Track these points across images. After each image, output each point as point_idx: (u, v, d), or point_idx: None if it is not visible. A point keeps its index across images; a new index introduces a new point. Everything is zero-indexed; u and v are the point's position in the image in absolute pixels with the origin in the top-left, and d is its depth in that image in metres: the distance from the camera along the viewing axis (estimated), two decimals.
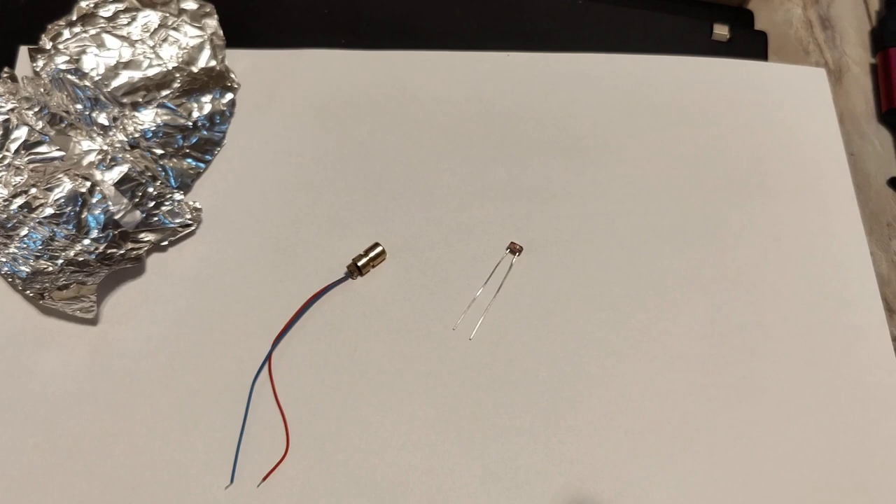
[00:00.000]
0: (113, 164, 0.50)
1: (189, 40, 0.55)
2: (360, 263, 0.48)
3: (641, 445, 0.44)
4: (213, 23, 0.56)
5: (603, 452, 0.44)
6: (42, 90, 0.52)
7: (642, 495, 0.43)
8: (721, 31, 0.60)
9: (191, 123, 0.53)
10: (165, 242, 0.49)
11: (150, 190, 0.50)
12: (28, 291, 0.46)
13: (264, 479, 0.43)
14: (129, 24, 0.55)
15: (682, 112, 0.56)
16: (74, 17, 0.55)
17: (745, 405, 0.45)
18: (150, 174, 0.50)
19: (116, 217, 0.49)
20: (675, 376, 0.46)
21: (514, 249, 0.49)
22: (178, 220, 0.50)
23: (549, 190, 0.53)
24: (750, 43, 0.60)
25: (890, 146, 0.57)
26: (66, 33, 0.54)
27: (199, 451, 0.43)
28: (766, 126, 0.56)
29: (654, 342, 0.47)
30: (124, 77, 0.54)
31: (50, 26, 0.54)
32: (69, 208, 0.48)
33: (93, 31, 0.54)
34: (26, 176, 0.49)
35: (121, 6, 0.55)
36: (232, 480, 0.42)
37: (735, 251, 0.51)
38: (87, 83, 0.53)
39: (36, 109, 0.51)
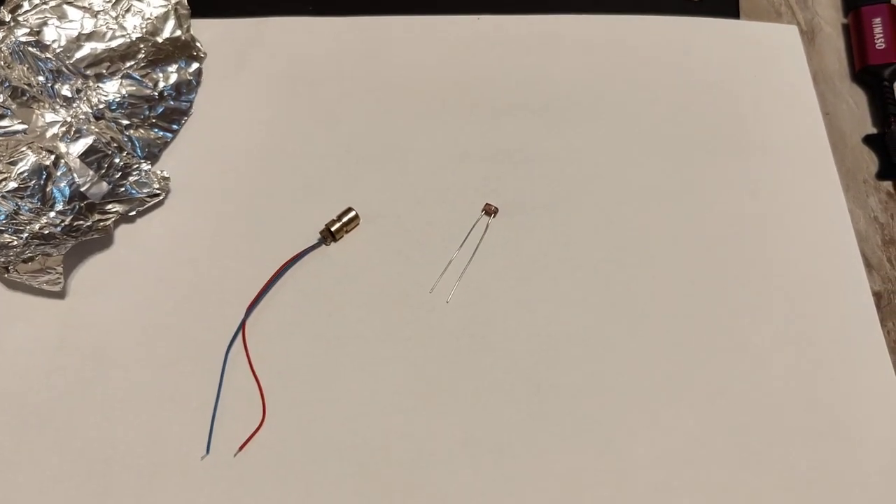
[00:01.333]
0: (77, 135, 0.49)
1: (153, 10, 0.54)
2: (333, 228, 0.48)
3: (623, 402, 0.44)
4: None
5: (584, 410, 0.43)
6: (2, 63, 0.50)
7: (625, 452, 0.42)
8: None
9: (157, 94, 0.52)
10: (133, 213, 0.48)
11: (117, 161, 0.49)
12: None
13: (241, 448, 0.42)
14: None
15: (656, 71, 0.56)
16: None
17: (726, 361, 0.45)
18: (116, 145, 0.49)
19: (83, 189, 0.48)
20: (654, 334, 0.46)
21: (490, 211, 0.49)
22: (145, 190, 0.49)
23: (523, 152, 0.52)
24: (720, 3, 0.60)
25: (864, 104, 0.57)
26: (26, 5, 0.53)
27: (173, 423, 0.42)
28: (740, 84, 0.56)
29: (633, 300, 0.47)
30: (87, 49, 0.52)
31: None
32: (33, 181, 0.47)
33: (53, 3, 0.53)
34: None
35: None
36: (208, 451, 0.42)
37: (712, 208, 0.50)
38: (48, 55, 0.51)
39: None
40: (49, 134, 0.49)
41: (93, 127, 0.50)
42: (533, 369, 0.44)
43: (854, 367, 0.45)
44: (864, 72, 0.57)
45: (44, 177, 0.47)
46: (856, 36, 0.59)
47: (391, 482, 0.41)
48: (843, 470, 0.42)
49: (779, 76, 0.56)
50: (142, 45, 0.53)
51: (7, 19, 0.52)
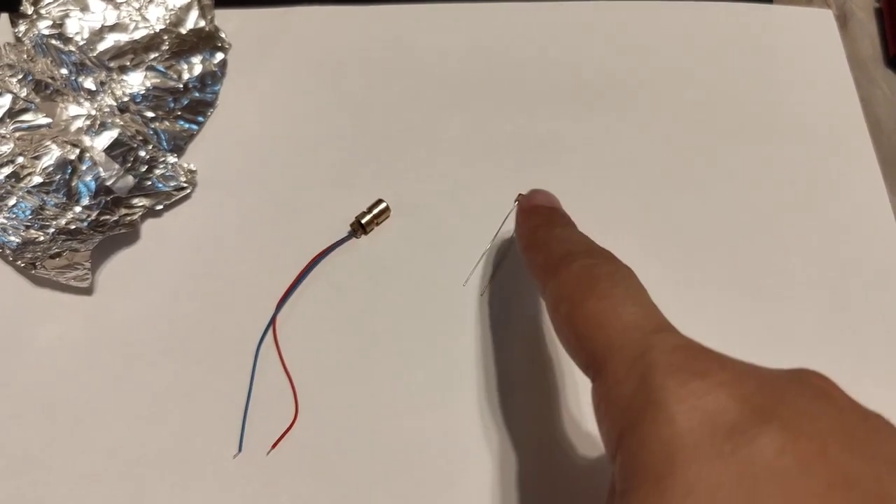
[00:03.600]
0: (102, 129, 0.48)
1: (176, 1, 0.54)
2: (363, 221, 0.47)
3: None
4: None
5: None
6: (25, 56, 0.50)
7: None
8: None
9: (181, 85, 0.51)
10: (160, 207, 0.47)
11: (142, 154, 0.48)
12: (19, 262, 0.44)
13: (273, 446, 0.41)
14: None
15: (690, 57, 0.55)
16: None
17: (770, 353, 0.44)
18: (141, 138, 0.49)
19: (108, 183, 0.47)
20: (694, 325, 0.45)
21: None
22: (172, 184, 0.48)
23: (555, 141, 0.51)
24: None
25: None
26: None
27: (204, 421, 0.42)
28: (775, 69, 0.55)
29: (672, 292, 0.45)
30: (110, 41, 0.52)
31: None
32: (58, 176, 0.47)
33: None
34: (12, 145, 0.47)
35: None
36: (240, 449, 0.41)
37: (751, 195, 0.49)
38: (71, 48, 0.51)
39: (20, 76, 0.49)
40: (73, 128, 0.48)
41: (117, 120, 0.49)
42: (571, 361, 0.43)
43: None
44: None
45: (69, 171, 0.47)
46: (889, 20, 0.58)
47: (427, 479, 0.40)
48: None
49: (814, 61, 0.55)
50: (165, 37, 0.52)
51: (29, 12, 0.52)
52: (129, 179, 0.47)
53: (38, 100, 0.49)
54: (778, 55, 0.55)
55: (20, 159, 0.47)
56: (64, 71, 0.50)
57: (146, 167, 0.48)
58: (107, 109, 0.49)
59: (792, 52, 0.55)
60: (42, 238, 0.45)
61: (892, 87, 0.56)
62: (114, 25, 0.52)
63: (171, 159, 0.49)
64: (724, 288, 0.46)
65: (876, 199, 0.49)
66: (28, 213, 0.46)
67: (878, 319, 0.45)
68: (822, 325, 0.45)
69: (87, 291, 0.45)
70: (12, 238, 0.45)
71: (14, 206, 0.46)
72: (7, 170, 0.47)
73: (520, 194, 0.48)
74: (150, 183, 0.48)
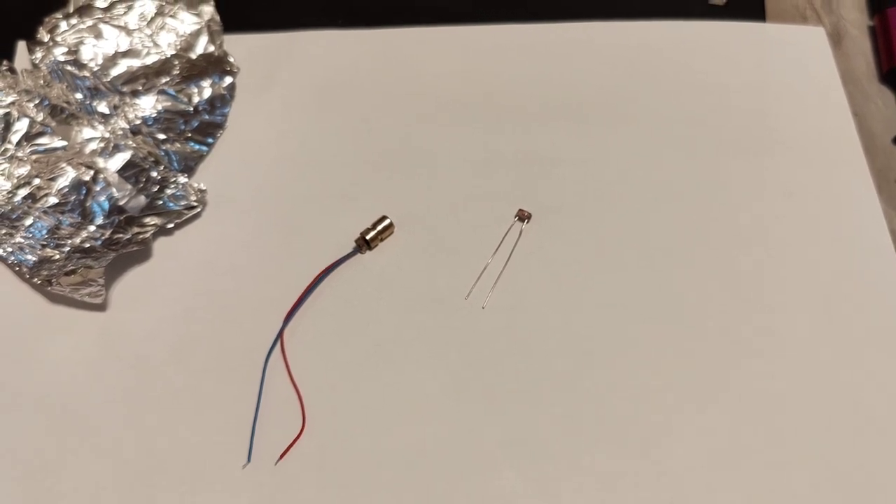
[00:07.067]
0: (115, 151, 0.50)
1: (186, 27, 0.55)
2: (368, 237, 0.48)
3: (661, 404, 0.43)
4: (209, 9, 0.56)
5: (622, 413, 0.43)
6: (42, 82, 0.52)
7: (664, 454, 0.42)
8: None
9: (191, 108, 0.53)
10: (171, 225, 0.49)
11: (154, 174, 0.50)
12: (35, 279, 0.46)
13: (281, 456, 0.42)
14: (125, 13, 0.55)
15: (685, 75, 0.56)
16: (71, 10, 0.55)
17: (763, 361, 0.45)
18: (153, 159, 0.50)
19: (121, 203, 0.48)
20: (690, 335, 0.46)
21: (523, 217, 0.49)
22: (182, 203, 0.49)
23: (554, 157, 0.52)
24: (746, 9, 0.60)
25: (893, 105, 0.56)
26: (64, 25, 0.54)
27: (214, 432, 0.43)
28: (769, 86, 0.56)
29: (668, 302, 0.47)
30: (123, 66, 0.53)
31: (47, 19, 0.54)
32: (73, 197, 0.48)
33: (90, 22, 0.54)
34: (29, 167, 0.49)
35: None
36: (249, 459, 0.42)
37: (745, 210, 0.50)
38: (85, 73, 0.52)
39: (36, 101, 0.51)
40: (88, 150, 0.50)
41: (130, 142, 0.51)
42: (570, 373, 0.44)
43: (893, 366, 0.45)
44: (893, 73, 0.57)
45: (83, 192, 0.48)
46: (882, 37, 0.59)
47: (431, 488, 0.41)
48: (887, 470, 0.41)
49: (807, 77, 0.56)
50: (176, 62, 0.54)
51: (45, 39, 0.53)
52: (142, 199, 0.49)
53: (53, 124, 0.50)
54: (771, 73, 0.56)
55: (37, 181, 0.48)
56: (79, 96, 0.52)
57: (158, 187, 0.50)
58: (120, 132, 0.51)
59: (785, 69, 0.57)
60: (57, 256, 0.46)
61: (885, 102, 0.57)
62: (126, 51, 0.54)
63: (182, 179, 0.50)
64: (719, 298, 0.47)
65: (869, 211, 0.50)
66: (44, 232, 0.47)
67: (872, 328, 0.46)
68: (816, 333, 0.46)
69: (101, 307, 0.46)
70: (29, 256, 0.46)
71: (31, 225, 0.47)
72: (24, 191, 0.48)
73: (520, 209, 0.49)
74: (161, 202, 0.49)
